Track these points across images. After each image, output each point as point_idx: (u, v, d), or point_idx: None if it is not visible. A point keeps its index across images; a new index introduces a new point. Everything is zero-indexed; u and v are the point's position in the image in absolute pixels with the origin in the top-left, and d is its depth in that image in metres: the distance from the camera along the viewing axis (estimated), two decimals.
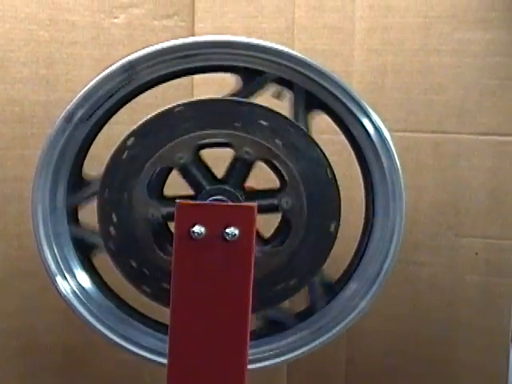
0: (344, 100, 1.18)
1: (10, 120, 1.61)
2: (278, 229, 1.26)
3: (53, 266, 1.22)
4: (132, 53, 1.18)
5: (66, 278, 1.23)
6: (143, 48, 1.18)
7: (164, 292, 1.16)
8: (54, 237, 1.22)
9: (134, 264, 1.19)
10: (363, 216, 1.26)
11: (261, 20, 1.68)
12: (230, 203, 1.17)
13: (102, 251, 1.22)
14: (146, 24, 1.68)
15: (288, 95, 1.22)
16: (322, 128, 1.26)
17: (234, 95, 1.21)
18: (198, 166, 1.19)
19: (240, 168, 1.19)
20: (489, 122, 1.62)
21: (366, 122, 1.18)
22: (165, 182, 1.25)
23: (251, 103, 1.18)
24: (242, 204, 1.16)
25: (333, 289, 1.25)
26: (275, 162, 1.17)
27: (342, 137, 1.24)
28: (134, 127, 1.18)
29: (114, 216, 1.19)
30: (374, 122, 1.19)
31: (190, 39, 1.21)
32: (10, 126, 1.61)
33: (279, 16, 1.67)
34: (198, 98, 1.20)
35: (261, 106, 1.18)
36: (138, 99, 1.25)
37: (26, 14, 1.60)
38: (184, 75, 1.24)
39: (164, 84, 1.25)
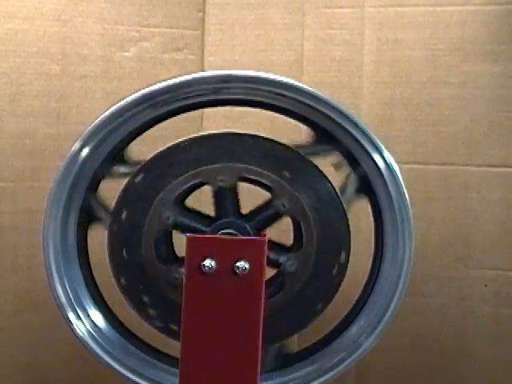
0: (356, 135, 1.17)
1: (22, 153, 1.62)
2: (294, 235, 1.24)
3: (65, 304, 1.21)
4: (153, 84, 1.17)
5: (79, 317, 1.21)
6: (160, 81, 1.17)
7: (175, 326, 1.16)
8: (65, 273, 1.21)
9: (145, 299, 1.17)
10: (372, 249, 1.25)
11: (270, 53, 1.69)
12: (241, 237, 1.16)
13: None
14: (156, 57, 1.69)
15: (347, 171, 1.22)
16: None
17: (299, 145, 1.20)
18: (232, 195, 1.19)
19: (225, 197, 1.18)
20: (497, 154, 1.62)
21: (377, 157, 1.18)
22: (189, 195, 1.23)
23: (264, 137, 1.18)
24: (253, 238, 1.15)
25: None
26: (302, 223, 1.16)
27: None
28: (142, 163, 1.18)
29: (124, 252, 1.17)
30: (385, 157, 1.18)
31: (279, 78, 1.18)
32: (21, 158, 1.61)
33: (288, 49, 1.68)
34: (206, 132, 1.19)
35: (275, 141, 1.18)
36: (149, 132, 1.25)
37: (38, 48, 1.61)
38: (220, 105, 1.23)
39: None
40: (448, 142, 1.64)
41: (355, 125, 1.16)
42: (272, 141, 1.17)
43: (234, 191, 1.18)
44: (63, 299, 1.21)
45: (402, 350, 1.67)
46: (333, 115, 1.16)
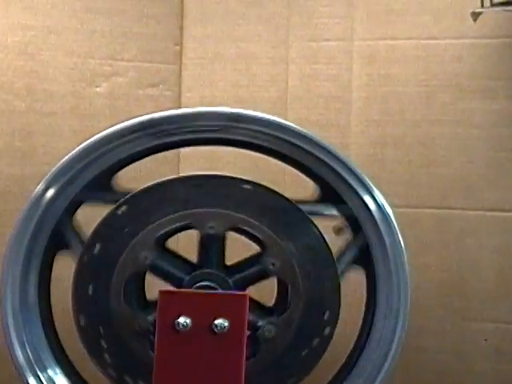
0: (343, 174, 1.16)
1: None
2: (278, 296, 1.21)
3: (25, 367, 1.16)
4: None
5: (41, 382, 1.17)
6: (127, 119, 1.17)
7: (130, 379, 1.13)
8: (24, 326, 1.16)
9: (103, 344, 1.13)
10: (364, 300, 1.22)
11: (252, 89, 1.66)
12: (219, 291, 1.13)
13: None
14: (130, 93, 1.66)
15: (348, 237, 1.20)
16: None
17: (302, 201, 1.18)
18: (168, 259, 1.16)
19: (211, 246, 1.15)
20: (496, 197, 1.59)
21: (367, 198, 1.16)
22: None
23: (253, 182, 1.15)
24: (233, 293, 1.12)
25: None
26: (291, 288, 1.13)
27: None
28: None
29: (90, 288, 1.13)
30: (376, 197, 1.15)
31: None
32: None
33: (271, 85, 1.66)
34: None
35: (266, 188, 1.15)
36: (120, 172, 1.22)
37: (1, 82, 1.59)
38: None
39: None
40: (443, 185, 1.61)
41: (343, 163, 1.15)
42: (272, 191, 1.15)
43: (221, 240, 1.15)
44: (22, 361, 1.16)
45: None
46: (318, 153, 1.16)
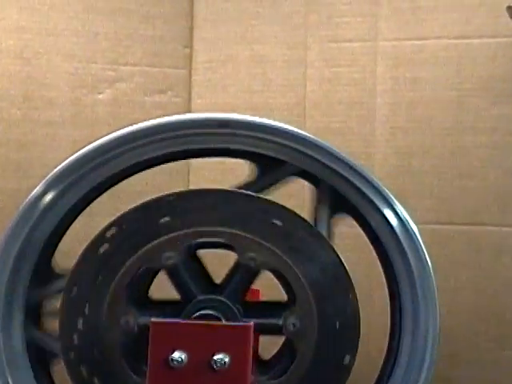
0: (359, 185, 1.10)
1: None
2: (280, 352, 1.16)
3: None
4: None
5: None
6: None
7: None
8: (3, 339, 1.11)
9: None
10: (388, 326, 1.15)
11: (267, 95, 1.63)
12: (221, 322, 1.05)
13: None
14: (135, 100, 1.63)
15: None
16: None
17: (244, 187, 1.13)
18: (191, 270, 1.09)
19: (242, 276, 1.09)
20: None
21: (387, 212, 1.10)
22: (151, 283, 1.16)
23: (263, 198, 1.10)
24: (234, 324, 1.05)
25: None
26: (284, 272, 1.07)
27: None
28: (116, 217, 1.10)
29: (79, 321, 1.07)
30: (398, 211, 1.10)
31: (186, 117, 1.16)
32: None
33: (288, 90, 1.63)
34: (196, 187, 1.13)
35: (275, 204, 1.09)
36: (124, 186, 1.17)
37: None
38: (181, 158, 1.17)
39: (155, 168, 1.17)
40: (476, 199, 1.57)
41: (358, 173, 1.10)
42: (212, 190, 1.10)
43: (191, 263, 1.10)
44: None
45: None
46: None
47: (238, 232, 1.07)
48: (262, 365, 1.12)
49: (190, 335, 0.99)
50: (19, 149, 1.57)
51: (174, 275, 1.09)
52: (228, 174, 1.51)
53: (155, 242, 1.07)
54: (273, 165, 1.13)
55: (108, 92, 1.61)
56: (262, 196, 1.11)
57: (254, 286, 1.14)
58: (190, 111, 1.63)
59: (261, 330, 1.06)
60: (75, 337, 1.08)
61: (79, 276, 1.08)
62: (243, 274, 1.09)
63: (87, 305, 1.08)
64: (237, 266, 1.09)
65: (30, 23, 1.56)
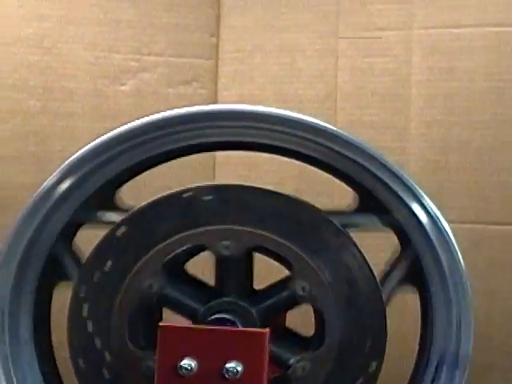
0: (385, 179, 1.05)
1: None
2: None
3: None
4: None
5: None
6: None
7: None
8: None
9: None
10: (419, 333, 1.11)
11: (297, 86, 1.61)
12: (234, 328, 1.00)
13: None
14: (159, 92, 1.62)
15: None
16: None
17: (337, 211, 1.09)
18: (180, 286, 1.06)
19: (228, 269, 1.05)
20: None
21: (415, 207, 1.04)
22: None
23: (283, 194, 1.05)
24: (248, 330, 0.99)
25: None
26: (326, 316, 1.03)
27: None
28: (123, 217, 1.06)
29: (89, 325, 1.04)
30: (427, 206, 1.04)
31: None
32: None
33: (319, 81, 1.61)
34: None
35: (296, 199, 1.05)
36: (146, 180, 1.15)
37: (13, 80, 1.56)
38: (202, 151, 1.13)
39: (180, 163, 1.15)
40: None
41: (383, 165, 1.04)
42: (297, 201, 1.05)
43: (241, 262, 1.05)
44: None
45: None
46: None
47: (303, 255, 1.02)
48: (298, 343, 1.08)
49: (201, 341, 0.95)
50: (38, 142, 1.57)
51: (222, 265, 1.05)
52: (254, 169, 1.53)
53: (218, 226, 1.04)
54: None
55: (130, 83, 1.61)
56: (280, 191, 1.06)
57: None
58: (215, 103, 1.62)
59: (277, 309, 1.04)
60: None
61: (88, 281, 1.05)
62: (227, 267, 1.05)
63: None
64: (218, 262, 1.05)
65: (49, 11, 1.56)
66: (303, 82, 1.61)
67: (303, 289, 1.02)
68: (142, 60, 1.61)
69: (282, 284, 1.04)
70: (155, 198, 1.05)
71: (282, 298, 1.04)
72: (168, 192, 1.06)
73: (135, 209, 1.05)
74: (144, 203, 1.06)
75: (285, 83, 1.61)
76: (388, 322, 1.04)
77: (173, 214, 1.04)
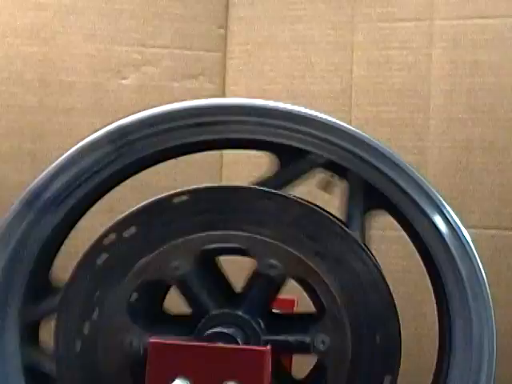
0: (404, 186, 1.01)
1: None
2: (313, 372, 1.10)
3: None
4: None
5: None
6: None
7: None
8: None
9: None
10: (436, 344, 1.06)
11: (310, 81, 1.59)
12: (232, 346, 0.94)
13: None
14: (163, 86, 1.60)
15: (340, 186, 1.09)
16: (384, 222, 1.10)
17: (263, 182, 1.05)
18: (203, 280, 1.00)
19: (262, 286, 1.01)
20: None
21: (436, 217, 1.00)
22: (165, 295, 1.09)
23: (284, 196, 1.01)
24: (247, 348, 0.94)
25: None
26: (311, 282, 0.99)
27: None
28: (115, 221, 1.02)
29: (76, 342, 1.00)
30: (448, 216, 1.00)
31: (206, 101, 1.06)
32: None
33: (333, 75, 1.59)
34: (207, 184, 1.03)
35: (298, 201, 1.01)
36: (150, 181, 1.16)
37: (8, 73, 1.55)
38: (199, 150, 1.10)
39: (186, 163, 1.17)
40: None
41: (402, 170, 1.01)
42: (225, 188, 1.02)
43: (205, 272, 1.01)
44: None
45: None
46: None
47: (255, 235, 0.98)
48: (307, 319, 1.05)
49: (195, 359, 0.90)
50: (34, 139, 1.56)
51: (182, 287, 1.01)
52: (263, 168, 1.47)
53: (160, 249, 1.00)
54: (295, 156, 1.06)
55: (133, 77, 1.60)
56: (280, 192, 1.01)
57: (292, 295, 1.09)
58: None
59: (286, 348, 0.99)
60: (72, 359, 1.01)
61: (74, 292, 1.00)
62: (263, 284, 1.00)
63: (85, 324, 1.00)
64: (255, 275, 1.00)
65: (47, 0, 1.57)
66: (316, 76, 1.59)
67: (323, 342, 0.98)
68: (146, 52, 1.60)
69: (305, 323, 1.01)
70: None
71: (296, 341, 1.00)
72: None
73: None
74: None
75: (297, 77, 1.60)
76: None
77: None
